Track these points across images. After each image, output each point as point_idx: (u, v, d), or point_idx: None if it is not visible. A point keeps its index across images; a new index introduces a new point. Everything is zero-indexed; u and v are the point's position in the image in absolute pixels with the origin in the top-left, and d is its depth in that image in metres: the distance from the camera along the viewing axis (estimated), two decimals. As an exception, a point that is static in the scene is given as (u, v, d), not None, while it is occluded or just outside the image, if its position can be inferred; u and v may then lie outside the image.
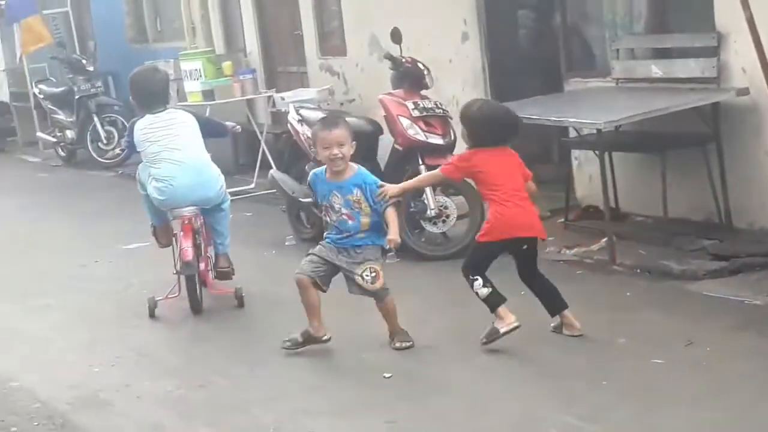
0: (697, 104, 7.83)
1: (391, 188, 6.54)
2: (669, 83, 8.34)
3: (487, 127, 6.41)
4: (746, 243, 7.65)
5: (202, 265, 7.73)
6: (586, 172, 9.27)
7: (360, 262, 6.43)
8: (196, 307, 7.60)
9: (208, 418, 5.76)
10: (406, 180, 8.74)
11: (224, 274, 7.94)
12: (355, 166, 6.54)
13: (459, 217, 8.67)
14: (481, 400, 5.62)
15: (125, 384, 6.37)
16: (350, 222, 6.42)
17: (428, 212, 8.59)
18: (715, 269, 7.30)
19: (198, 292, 7.60)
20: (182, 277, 7.61)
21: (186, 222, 7.58)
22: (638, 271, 7.58)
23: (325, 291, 6.51)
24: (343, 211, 6.42)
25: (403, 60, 9.07)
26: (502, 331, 6.25)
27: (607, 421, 5.15)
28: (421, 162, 8.59)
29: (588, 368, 5.88)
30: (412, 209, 8.66)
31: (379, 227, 6.45)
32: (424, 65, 9.04)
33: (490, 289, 6.30)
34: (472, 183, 6.74)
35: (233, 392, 6.11)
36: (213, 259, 8.00)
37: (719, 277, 7.22)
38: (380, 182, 6.55)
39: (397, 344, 6.44)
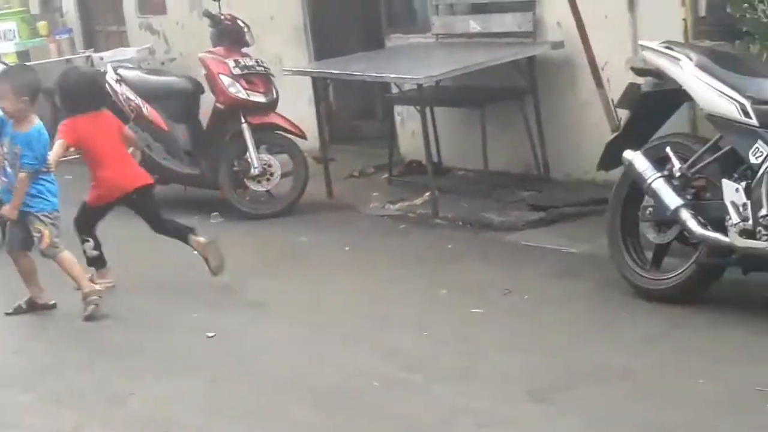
0: (513, 58, 7.96)
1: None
2: (487, 38, 8.45)
3: (78, 95, 6.85)
4: (563, 193, 7.84)
5: None
6: (408, 127, 9.34)
7: (29, 225, 6.52)
8: None
9: (24, 383, 5.58)
10: (229, 139, 8.72)
11: None
12: (38, 123, 6.51)
13: (283, 175, 8.61)
14: (306, 357, 5.59)
15: (-65, 354, 6.15)
16: (9, 170, 6.55)
17: (252, 170, 8.49)
18: (534, 219, 7.47)
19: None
20: None
21: None
22: (460, 223, 7.68)
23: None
24: (8, 158, 6.53)
25: (223, 17, 8.94)
26: (96, 288, 6.57)
27: (428, 370, 5.20)
28: (243, 120, 8.49)
29: (410, 320, 5.93)
30: (235, 168, 8.57)
31: (44, 192, 6.49)
32: (243, 23, 8.93)
33: (98, 253, 6.92)
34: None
35: (48, 356, 5.96)
36: None
37: (537, 227, 7.38)
38: (49, 155, 6.56)
39: (85, 313, 6.39)
